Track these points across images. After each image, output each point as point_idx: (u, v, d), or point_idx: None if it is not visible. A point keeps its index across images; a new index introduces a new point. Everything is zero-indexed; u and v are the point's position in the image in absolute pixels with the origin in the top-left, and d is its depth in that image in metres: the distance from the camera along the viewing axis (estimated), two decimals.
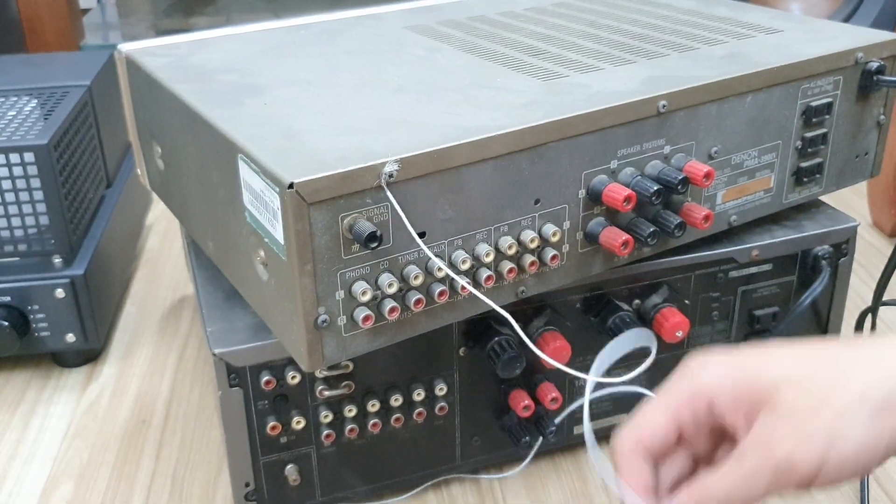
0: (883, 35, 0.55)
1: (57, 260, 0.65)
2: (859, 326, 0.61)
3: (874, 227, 0.87)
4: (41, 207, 0.64)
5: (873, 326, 0.61)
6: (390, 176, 0.39)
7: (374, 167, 0.39)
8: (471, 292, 0.43)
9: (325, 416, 0.49)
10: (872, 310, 0.60)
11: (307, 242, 0.38)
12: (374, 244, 0.39)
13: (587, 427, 0.37)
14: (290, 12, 1.59)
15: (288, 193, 0.37)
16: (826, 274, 0.56)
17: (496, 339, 0.50)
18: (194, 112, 0.46)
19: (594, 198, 0.46)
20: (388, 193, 0.39)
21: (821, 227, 0.57)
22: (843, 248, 0.57)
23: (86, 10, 1.57)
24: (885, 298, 0.58)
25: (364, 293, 0.40)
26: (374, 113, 0.45)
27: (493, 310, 0.46)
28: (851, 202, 0.90)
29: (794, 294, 0.58)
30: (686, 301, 0.55)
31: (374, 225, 0.39)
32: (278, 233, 0.39)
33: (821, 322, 0.60)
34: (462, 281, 0.42)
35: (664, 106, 0.46)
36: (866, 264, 0.80)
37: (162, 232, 0.90)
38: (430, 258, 0.41)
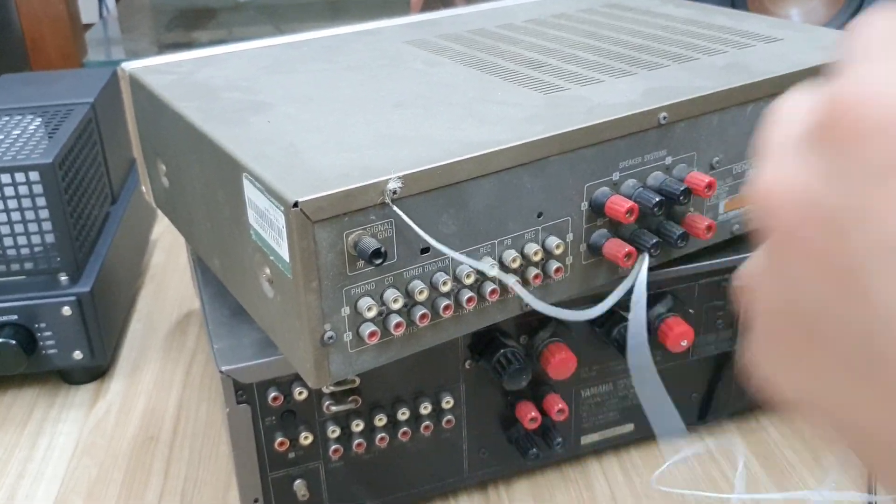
0: None
1: (63, 278, 0.65)
2: None
3: None
4: (47, 226, 0.64)
5: None
6: (394, 193, 0.39)
7: (378, 184, 0.39)
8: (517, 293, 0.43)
9: (333, 431, 0.49)
10: None
11: (312, 260, 0.38)
12: (379, 261, 0.39)
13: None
14: (290, 25, 1.60)
15: (293, 212, 0.37)
16: None
17: (502, 351, 0.50)
18: (198, 131, 0.47)
19: (597, 210, 0.46)
20: (395, 209, 0.39)
21: None
22: None
23: (88, 26, 1.58)
24: None
25: (370, 309, 0.40)
26: (377, 129, 0.45)
27: (498, 322, 0.46)
28: None
29: None
30: (690, 310, 0.55)
31: (378, 241, 0.39)
32: (283, 251, 0.39)
33: None
34: (510, 281, 0.42)
35: (665, 118, 0.47)
36: None
37: (167, 247, 0.91)
38: (461, 264, 0.42)
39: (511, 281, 0.42)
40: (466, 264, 0.42)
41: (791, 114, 0.22)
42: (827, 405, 0.21)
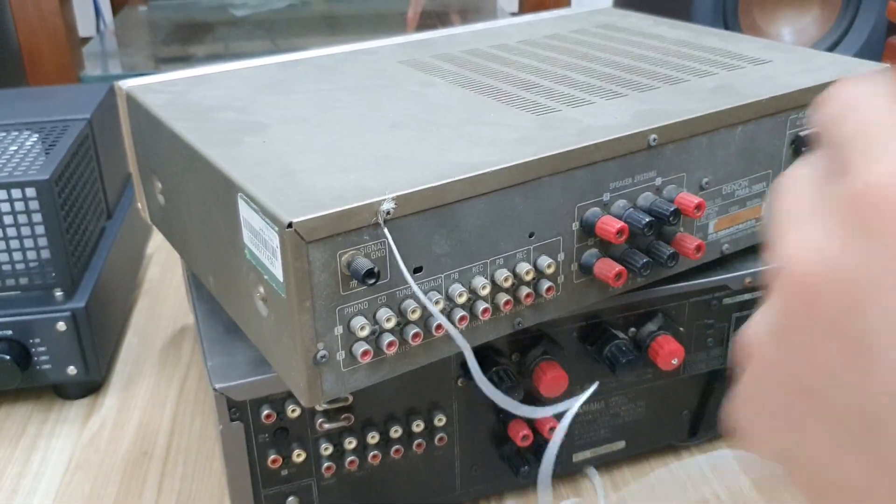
0: (869, 65, 0.56)
1: (58, 293, 0.66)
2: None
3: None
4: (42, 241, 0.64)
5: None
6: (387, 213, 0.40)
7: (371, 205, 0.39)
8: (447, 331, 0.44)
9: (326, 449, 0.50)
10: None
11: (306, 280, 0.39)
12: (372, 280, 0.39)
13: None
14: (287, 40, 1.61)
15: (287, 233, 0.38)
16: None
17: (494, 369, 0.51)
18: (194, 150, 0.47)
19: (587, 230, 0.47)
20: (386, 231, 0.40)
21: None
22: None
23: (85, 40, 1.59)
24: None
25: (363, 328, 0.41)
26: (371, 150, 0.45)
27: (491, 340, 0.47)
28: None
29: None
30: (681, 328, 0.55)
31: (371, 262, 0.40)
32: (277, 270, 0.40)
33: None
34: (440, 319, 0.43)
35: (654, 139, 0.47)
36: None
37: (162, 262, 0.91)
38: (420, 297, 0.42)
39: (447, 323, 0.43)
40: (419, 297, 0.42)
41: (798, 186, 0.24)
42: (811, 466, 0.22)
